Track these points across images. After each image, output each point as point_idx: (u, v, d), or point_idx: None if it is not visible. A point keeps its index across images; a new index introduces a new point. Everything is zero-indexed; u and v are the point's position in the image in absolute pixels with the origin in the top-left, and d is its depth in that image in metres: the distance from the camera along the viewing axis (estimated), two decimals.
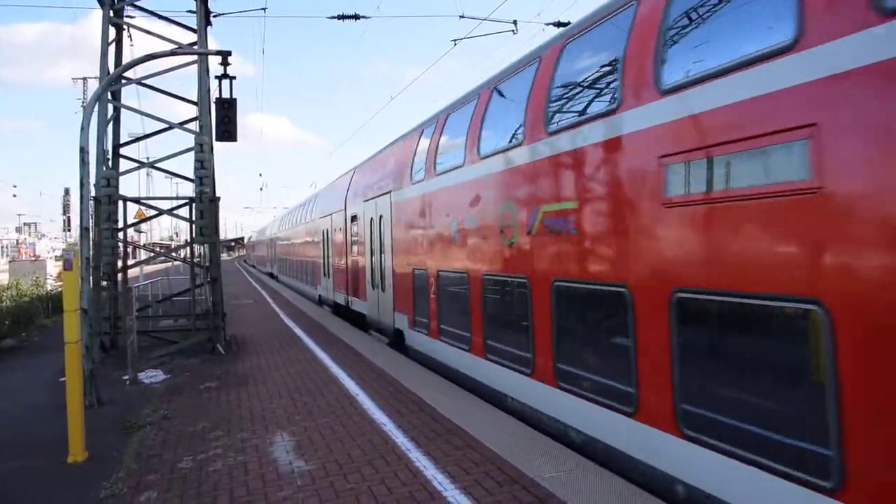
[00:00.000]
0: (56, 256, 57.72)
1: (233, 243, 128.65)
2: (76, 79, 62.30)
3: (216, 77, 12.92)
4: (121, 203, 14.35)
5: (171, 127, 15.16)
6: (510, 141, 8.72)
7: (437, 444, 7.22)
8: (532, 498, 5.62)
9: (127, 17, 15.43)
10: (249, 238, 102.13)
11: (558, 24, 16.16)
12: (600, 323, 6.84)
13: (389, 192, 14.69)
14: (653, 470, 5.78)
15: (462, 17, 17.06)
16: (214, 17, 15.54)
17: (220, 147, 60.59)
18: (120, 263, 14.99)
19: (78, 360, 7.67)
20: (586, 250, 6.86)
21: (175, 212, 15.94)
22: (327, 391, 10.11)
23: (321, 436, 7.79)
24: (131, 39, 25.67)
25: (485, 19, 16.76)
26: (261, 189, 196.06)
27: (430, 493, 5.88)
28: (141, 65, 12.39)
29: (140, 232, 42.64)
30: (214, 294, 14.64)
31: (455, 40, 17.38)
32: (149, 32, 15.37)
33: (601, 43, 6.93)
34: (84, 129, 9.85)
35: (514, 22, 16.77)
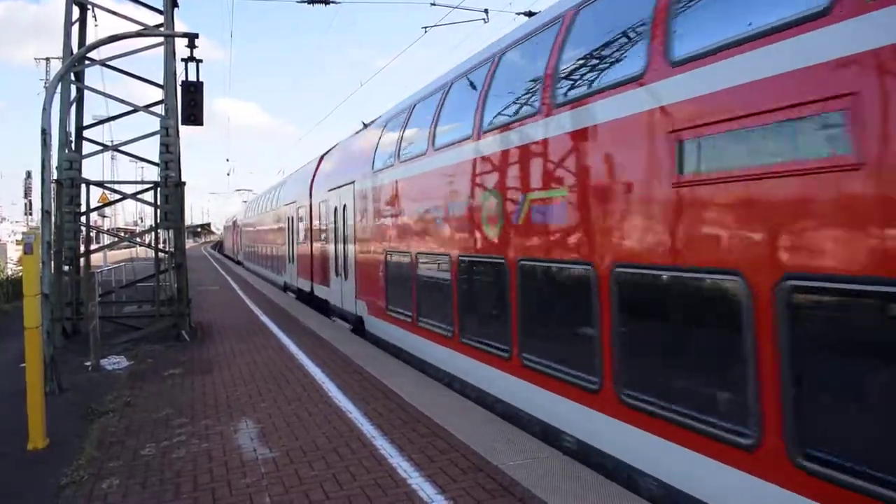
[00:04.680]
0: (17, 240, 56.37)
1: (199, 229, 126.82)
2: (39, 59, 60.78)
3: (182, 60, 12.68)
4: (84, 186, 14.10)
5: (136, 109, 14.91)
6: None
7: (402, 432, 7.28)
8: (496, 485, 5.70)
9: None
10: (217, 229, 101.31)
11: (529, 14, 16.17)
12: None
13: (353, 181, 14.85)
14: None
15: (433, 4, 16.96)
16: None
17: (186, 131, 59.65)
18: (83, 248, 14.73)
19: (38, 346, 7.55)
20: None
21: (140, 196, 15.69)
22: (293, 379, 10.09)
23: (286, 423, 7.79)
24: (96, 20, 25.20)
25: (456, 7, 16.71)
26: (228, 174, 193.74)
27: (394, 480, 5.93)
28: (106, 46, 12.17)
29: (104, 216, 41.82)
30: (179, 280, 14.45)
31: (426, 28, 17.38)
32: (114, 13, 15.11)
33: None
34: (46, 110, 9.63)
35: (486, 11, 16.77)
